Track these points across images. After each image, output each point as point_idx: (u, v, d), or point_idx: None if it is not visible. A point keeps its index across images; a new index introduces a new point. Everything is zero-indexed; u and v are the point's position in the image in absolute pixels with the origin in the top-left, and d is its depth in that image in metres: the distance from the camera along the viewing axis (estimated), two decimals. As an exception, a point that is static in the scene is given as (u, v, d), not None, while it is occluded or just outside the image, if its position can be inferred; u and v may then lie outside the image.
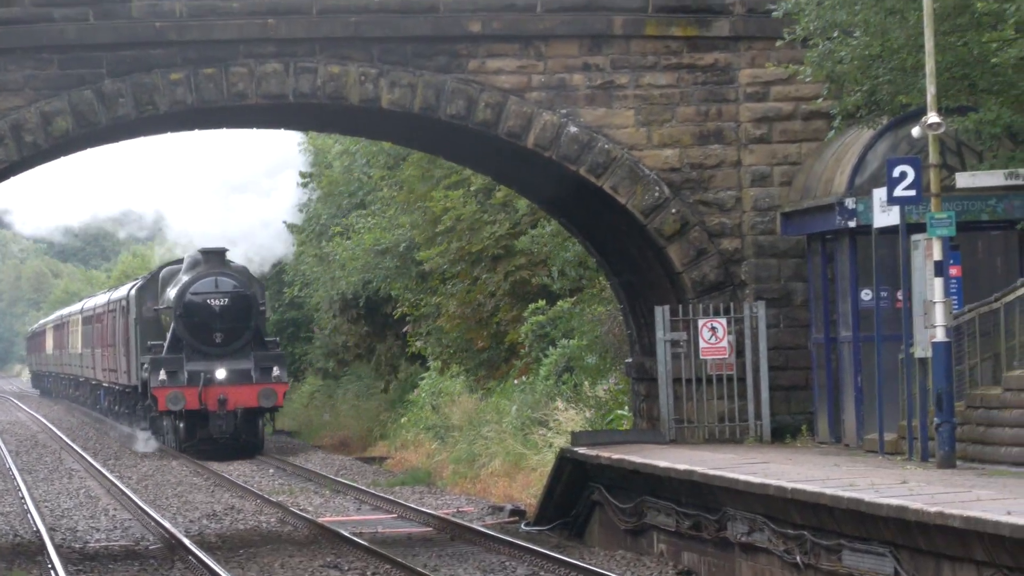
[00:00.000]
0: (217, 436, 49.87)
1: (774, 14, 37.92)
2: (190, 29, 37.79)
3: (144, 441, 61.36)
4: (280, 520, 43.80)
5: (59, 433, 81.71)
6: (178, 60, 37.82)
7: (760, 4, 38.85)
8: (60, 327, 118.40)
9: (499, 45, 38.96)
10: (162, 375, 48.22)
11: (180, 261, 59.03)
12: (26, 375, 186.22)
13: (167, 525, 43.08)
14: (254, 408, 50.05)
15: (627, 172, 39.13)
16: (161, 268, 61.30)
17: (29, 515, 46.62)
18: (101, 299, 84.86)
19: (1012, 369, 31.77)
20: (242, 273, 56.80)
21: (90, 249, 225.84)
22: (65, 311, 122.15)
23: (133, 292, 62.97)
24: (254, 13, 38.08)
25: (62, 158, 43.56)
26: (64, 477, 61.45)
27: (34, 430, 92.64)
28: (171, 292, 55.00)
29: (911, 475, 29.54)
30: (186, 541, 39.02)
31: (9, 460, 69.17)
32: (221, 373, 48.84)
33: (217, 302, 49.85)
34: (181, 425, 50.90)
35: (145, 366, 54.39)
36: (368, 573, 34.53)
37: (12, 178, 42.30)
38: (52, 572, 33.90)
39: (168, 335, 53.17)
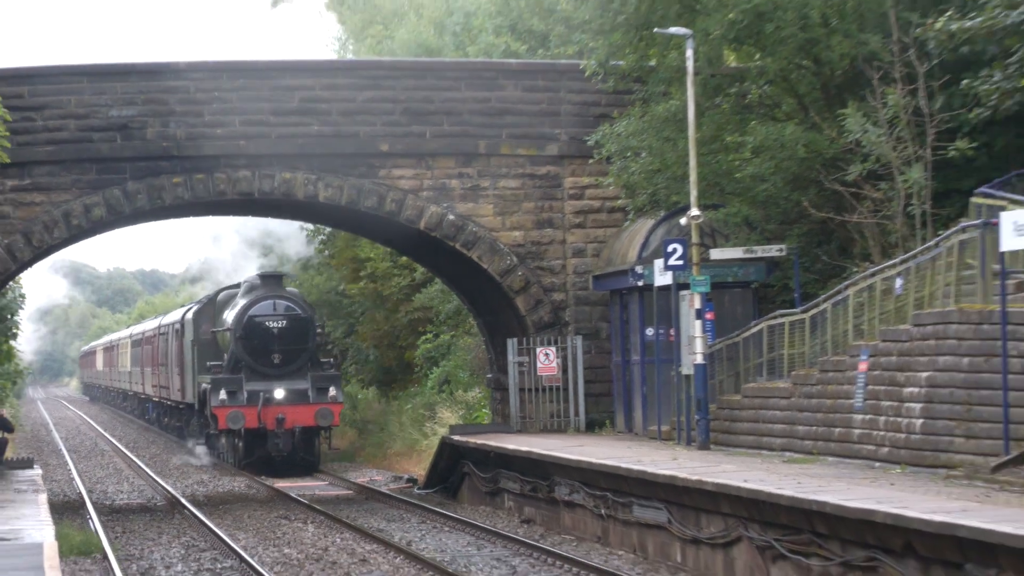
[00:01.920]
0: (275, 454, 41.80)
1: (588, 142, 38.21)
2: (187, 147, 37.50)
3: (202, 455, 51.88)
4: (247, 486, 42.92)
5: (103, 431, 79.86)
6: (178, 169, 37.52)
7: (578, 134, 38.98)
8: (110, 348, 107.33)
9: (401, 159, 38.77)
10: (222, 394, 40.51)
11: (237, 286, 49.59)
12: (75, 384, 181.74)
13: (169, 488, 42.47)
14: (311, 427, 41.90)
15: (488, 247, 39.06)
16: (218, 292, 51.53)
17: (74, 482, 45.92)
18: (151, 324, 75.17)
19: (747, 383, 32.04)
20: (298, 297, 47.35)
21: (116, 298, 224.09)
22: (114, 336, 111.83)
23: (190, 315, 52.46)
24: (231, 137, 37.91)
25: (97, 236, 43.16)
26: (99, 455, 61.13)
27: (79, 424, 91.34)
28: (229, 315, 45.86)
29: (680, 454, 29.66)
30: (182, 499, 38.65)
31: (61, 444, 68.40)
32: (280, 393, 40.99)
33: (276, 324, 41.79)
34: (240, 443, 43.05)
35: (203, 385, 45.29)
36: (308, 520, 34.15)
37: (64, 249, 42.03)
38: (90, 520, 33.49)
39: (227, 356, 44.04)
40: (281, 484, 41.95)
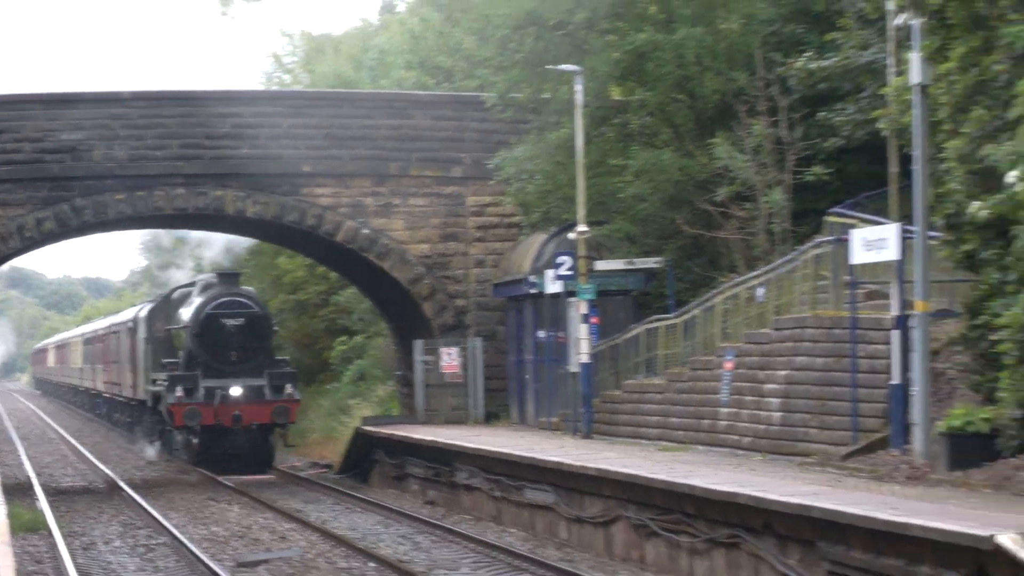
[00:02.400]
0: (232, 451, 37.40)
1: (488, 165, 38.09)
2: (129, 168, 37.07)
3: (153, 451, 46.32)
4: (180, 471, 42.27)
5: (52, 422, 77.87)
6: (121, 187, 37.05)
7: (480, 158, 38.83)
8: (62, 347, 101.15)
9: (321, 179, 38.51)
10: (179, 391, 36.28)
11: (191, 284, 44.35)
12: (26, 379, 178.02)
13: (110, 473, 41.61)
14: (267, 424, 37.64)
15: (399, 258, 38.83)
16: (172, 291, 45.83)
17: (24, 466, 45.05)
18: (102, 323, 69.35)
19: (627, 379, 32.04)
20: (254, 295, 42.03)
21: (64, 303, 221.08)
22: (66, 335, 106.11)
23: (143, 314, 47.29)
24: (170, 158, 37.48)
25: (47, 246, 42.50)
26: (47, 443, 60.14)
27: (30, 415, 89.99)
28: (185, 312, 40.54)
29: (566, 443, 29.59)
30: (121, 483, 38.00)
31: (13, 432, 67.21)
32: (236, 391, 36.64)
33: (233, 322, 37.25)
34: (196, 440, 38.04)
35: (158, 381, 40.79)
36: (232, 502, 33.57)
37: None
38: (37, 501, 32.82)
39: (183, 353, 39.18)
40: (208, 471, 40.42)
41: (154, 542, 26.45)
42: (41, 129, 37.66)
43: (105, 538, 27.27)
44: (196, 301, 39.07)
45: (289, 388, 36.82)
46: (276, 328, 42.07)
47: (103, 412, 68.54)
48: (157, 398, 41.32)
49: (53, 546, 24.86)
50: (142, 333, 45.77)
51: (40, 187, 37.21)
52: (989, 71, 18.55)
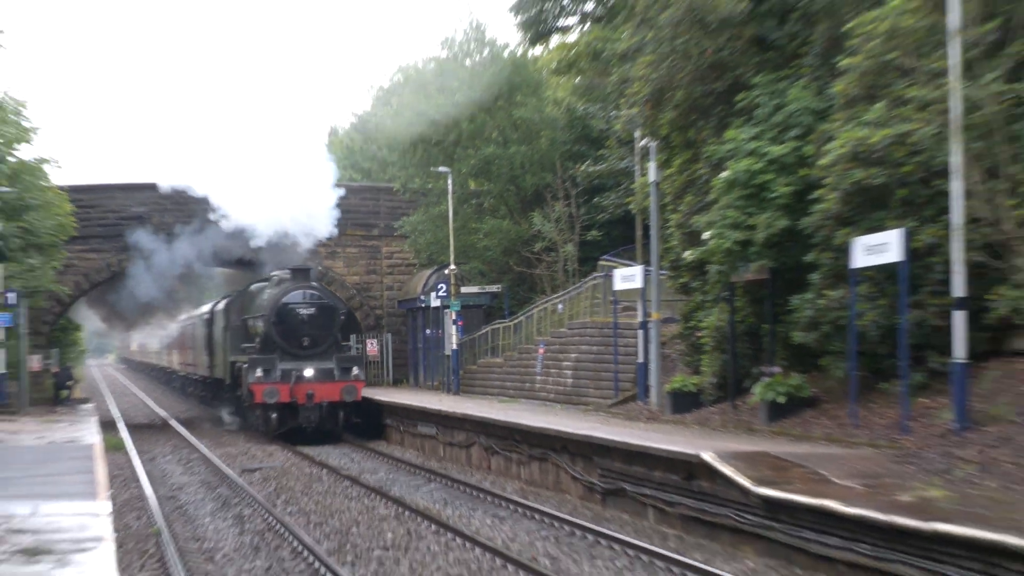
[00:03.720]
0: (305, 426, 27.82)
1: (395, 227, 37.73)
2: (173, 229, 35.97)
3: (231, 421, 34.50)
4: (204, 414, 40.05)
5: (134, 387, 72.57)
6: (168, 239, 35.99)
7: (390, 223, 38.26)
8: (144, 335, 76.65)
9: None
10: (258, 372, 27.58)
11: (267, 279, 31.92)
12: (112, 358, 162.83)
13: (164, 414, 40.02)
14: (337, 402, 27.97)
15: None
16: (249, 285, 33.86)
17: (112, 411, 42.87)
18: (181, 317, 51.87)
19: (480, 359, 31.81)
20: (324, 288, 31.75)
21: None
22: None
23: (220, 307, 35.84)
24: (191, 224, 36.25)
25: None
26: (128, 396, 57.90)
27: (116, 381, 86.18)
28: (262, 303, 30.18)
29: (444, 398, 29.01)
30: (171, 421, 36.59)
31: (106, 391, 64.32)
32: (309, 372, 27.79)
33: (305, 311, 28.27)
34: (273, 416, 28.12)
35: (238, 364, 30.73)
36: (238, 435, 30.47)
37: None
38: (121, 432, 31.30)
39: (259, 339, 29.29)
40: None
41: (191, 456, 25.63)
42: (120, 205, 36.66)
43: (162, 455, 26.28)
44: (273, 292, 29.85)
45: (355, 370, 28.31)
46: (344, 317, 31.40)
47: (177, 386, 56.26)
48: (236, 377, 31.68)
49: (129, 460, 23.99)
50: (220, 323, 35.01)
51: (119, 241, 35.90)
52: (696, 174, 18.83)
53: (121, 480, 20.29)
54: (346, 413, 28.39)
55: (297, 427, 27.55)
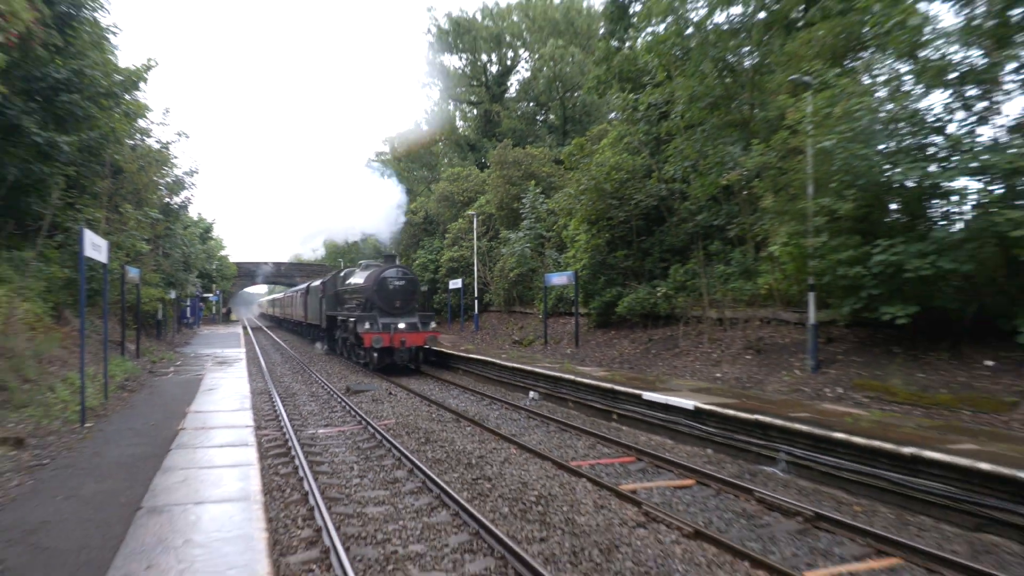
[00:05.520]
0: (399, 362, 34.52)
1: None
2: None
3: (321, 348, 45.79)
4: (327, 356, 40.94)
5: (269, 332, 71.78)
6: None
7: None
8: (272, 302, 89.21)
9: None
10: (367, 325, 34.25)
11: (355, 266, 42.83)
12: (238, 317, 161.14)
13: (296, 355, 41.17)
14: (420, 347, 34.59)
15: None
16: (339, 271, 44.00)
17: (256, 351, 44.73)
18: (291, 290, 65.91)
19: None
20: (408, 268, 38.54)
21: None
22: (269, 297, 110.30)
23: (317, 284, 47.29)
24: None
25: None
26: (267, 338, 61.46)
27: (254, 321, 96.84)
28: (356, 280, 37.96)
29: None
30: (297, 358, 39.33)
31: (253, 337, 62.07)
32: (401, 325, 34.40)
33: (398, 283, 35.19)
34: (375, 355, 34.28)
35: (339, 318, 38.72)
36: (345, 367, 35.00)
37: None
38: (263, 373, 34.34)
39: (358, 304, 36.78)
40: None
41: (312, 382, 29.62)
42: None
43: (291, 380, 30.30)
44: (374, 269, 36.69)
45: (433, 324, 35.46)
46: (424, 289, 48.15)
47: (288, 327, 69.96)
48: (331, 325, 41.63)
49: (269, 388, 27.22)
50: (318, 293, 45.96)
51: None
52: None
53: (251, 355, 36.79)
54: (425, 354, 36.93)
55: (392, 364, 35.76)
